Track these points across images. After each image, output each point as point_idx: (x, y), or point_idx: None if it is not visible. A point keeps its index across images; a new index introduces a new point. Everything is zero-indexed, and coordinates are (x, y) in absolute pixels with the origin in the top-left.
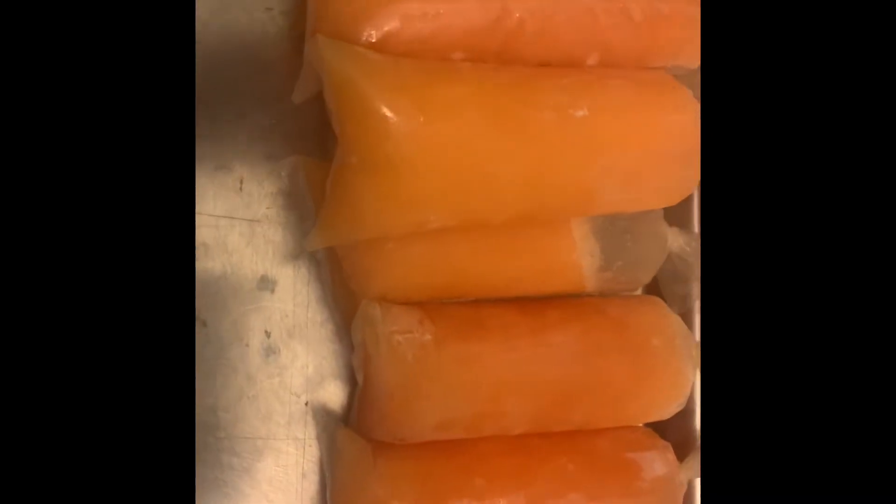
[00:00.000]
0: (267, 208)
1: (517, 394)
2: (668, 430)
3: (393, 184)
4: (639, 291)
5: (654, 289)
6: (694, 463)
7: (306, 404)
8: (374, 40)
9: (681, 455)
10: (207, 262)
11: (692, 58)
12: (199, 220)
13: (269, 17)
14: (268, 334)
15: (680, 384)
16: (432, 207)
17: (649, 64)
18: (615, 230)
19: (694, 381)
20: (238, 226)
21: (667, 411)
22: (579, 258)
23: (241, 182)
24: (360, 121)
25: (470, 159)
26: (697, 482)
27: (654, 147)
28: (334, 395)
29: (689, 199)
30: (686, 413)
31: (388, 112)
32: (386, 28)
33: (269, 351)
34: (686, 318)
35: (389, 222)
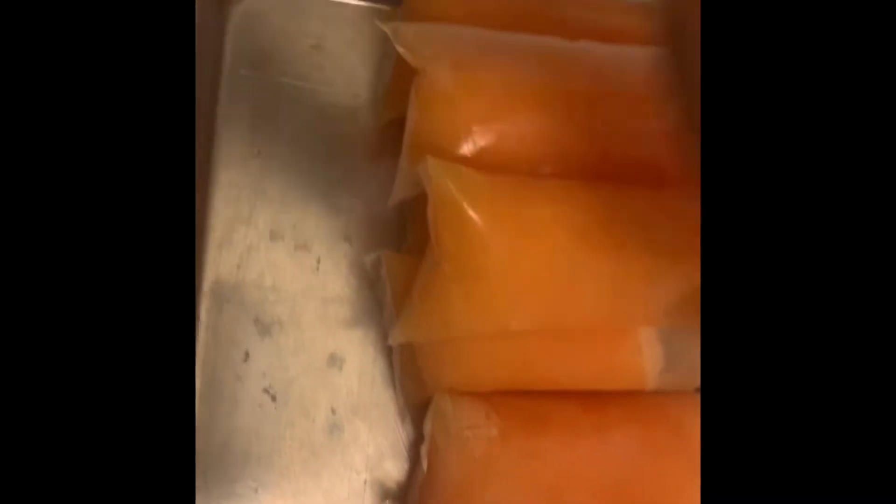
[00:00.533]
0: (341, 288)
1: (577, 490)
2: None
3: (482, 292)
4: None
5: None
6: None
7: (365, 482)
8: (469, 155)
9: None
10: (280, 338)
11: None
12: (275, 296)
13: (357, 104)
14: (333, 411)
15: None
16: (516, 315)
17: None
18: (680, 335)
19: None
20: (312, 304)
21: None
22: (644, 361)
23: (319, 262)
24: (458, 234)
25: (555, 274)
26: None
27: None
28: (392, 474)
29: None
30: None
31: (485, 228)
32: (482, 143)
33: (334, 428)
34: None
35: (474, 326)
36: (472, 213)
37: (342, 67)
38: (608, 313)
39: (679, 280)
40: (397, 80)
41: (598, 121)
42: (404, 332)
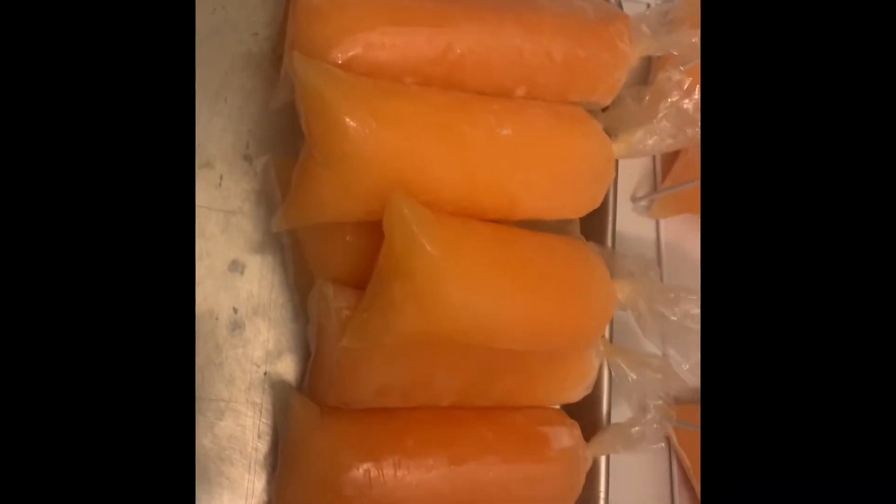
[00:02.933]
0: (241, 202)
1: (445, 368)
2: (579, 415)
3: (348, 177)
4: None
5: None
6: (598, 442)
7: (265, 374)
8: (339, 62)
9: (588, 436)
10: None
11: (605, 95)
12: None
13: (255, 41)
14: (235, 311)
15: (586, 371)
16: (379, 199)
17: (568, 99)
18: None
19: (601, 369)
20: (215, 216)
21: (574, 395)
22: None
23: (221, 178)
24: (323, 123)
25: (413, 162)
26: (602, 460)
27: (566, 166)
28: (290, 367)
29: (604, 216)
30: (594, 399)
31: (347, 118)
32: (350, 53)
33: (236, 325)
34: None
35: (343, 209)
36: (334, 102)
37: (243, 8)
38: (465, 202)
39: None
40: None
41: (456, 36)
42: (285, 219)
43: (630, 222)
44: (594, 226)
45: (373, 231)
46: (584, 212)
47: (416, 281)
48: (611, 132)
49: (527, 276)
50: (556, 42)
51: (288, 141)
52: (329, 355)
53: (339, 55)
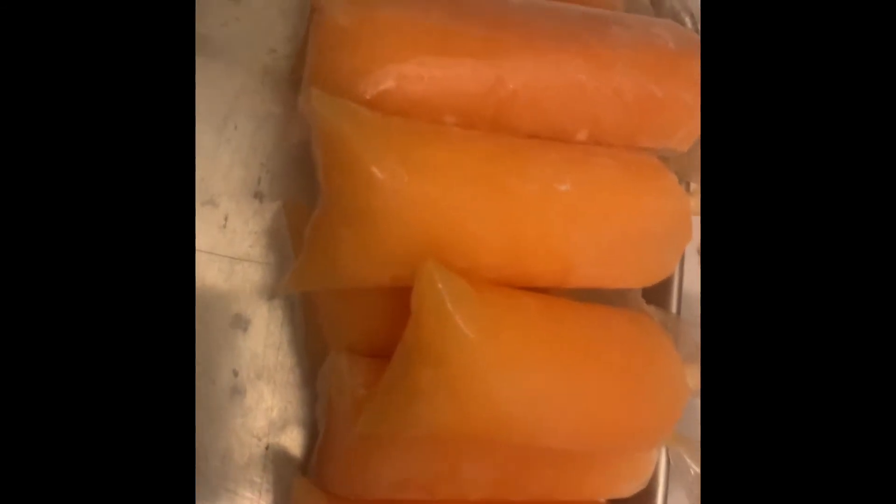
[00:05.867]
0: (249, 247)
1: (475, 459)
2: None
3: (371, 237)
4: None
5: None
6: None
7: (267, 448)
8: (368, 97)
9: None
10: None
11: (683, 142)
12: None
13: (272, 58)
14: (235, 374)
15: (643, 466)
16: (408, 263)
17: (639, 144)
18: None
19: (658, 462)
20: (217, 262)
21: (627, 489)
22: None
23: (227, 219)
24: (344, 172)
25: (450, 221)
26: None
27: (633, 228)
28: (296, 441)
29: (668, 281)
30: (648, 493)
31: (373, 166)
32: (382, 86)
33: (235, 391)
34: None
35: (364, 274)
36: (358, 148)
37: (260, 21)
38: (511, 269)
39: None
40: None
41: (509, 69)
42: (295, 281)
43: (698, 278)
44: (656, 284)
45: (400, 294)
46: (651, 281)
47: (449, 368)
48: (682, 176)
49: (580, 363)
50: (627, 78)
51: (309, 177)
52: (340, 439)
53: (369, 89)
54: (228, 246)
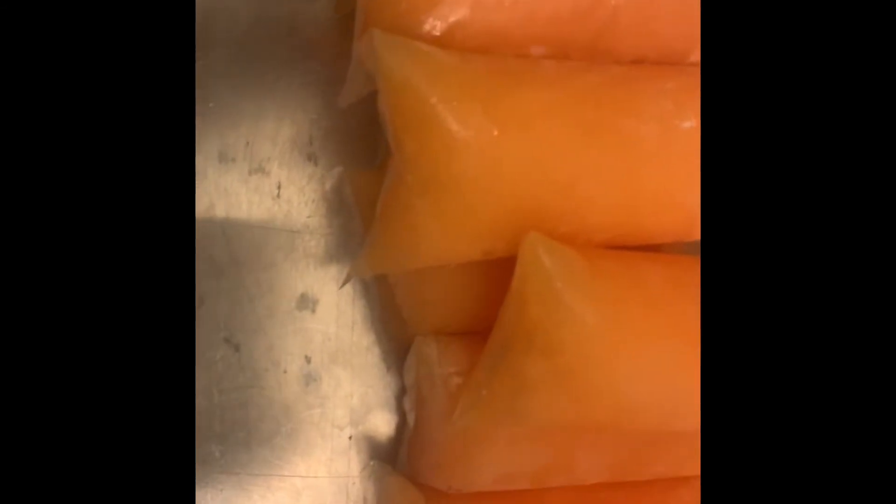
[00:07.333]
0: (308, 217)
1: (591, 446)
2: None
3: (458, 208)
4: None
5: None
6: None
7: (350, 439)
8: (438, 33)
9: None
10: (241, 279)
11: None
12: (231, 230)
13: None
14: (308, 360)
15: None
16: (503, 235)
17: None
18: None
19: None
20: (274, 237)
21: None
22: None
23: (279, 188)
24: (421, 133)
25: (551, 180)
26: None
27: None
28: (382, 427)
29: None
30: None
31: (454, 124)
32: (453, 18)
33: (310, 378)
34: None
35: (450, 251)
36: (436, 103)
37: None
38: (626, 230)
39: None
40: None
41: None
42: (368, 264)
43: None
44: None
45: (491, 264)
46: None
47: (563, 357)
48: None
49: None
50: None
51: (368, 134)
52: (434, 432)
53: (437, 24)
54: (285, 218)
